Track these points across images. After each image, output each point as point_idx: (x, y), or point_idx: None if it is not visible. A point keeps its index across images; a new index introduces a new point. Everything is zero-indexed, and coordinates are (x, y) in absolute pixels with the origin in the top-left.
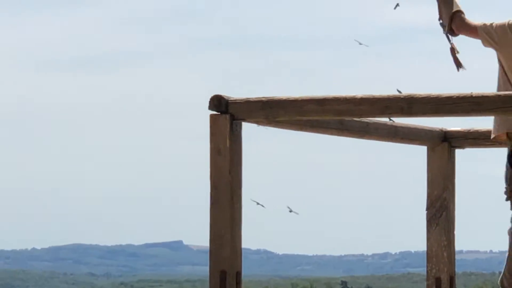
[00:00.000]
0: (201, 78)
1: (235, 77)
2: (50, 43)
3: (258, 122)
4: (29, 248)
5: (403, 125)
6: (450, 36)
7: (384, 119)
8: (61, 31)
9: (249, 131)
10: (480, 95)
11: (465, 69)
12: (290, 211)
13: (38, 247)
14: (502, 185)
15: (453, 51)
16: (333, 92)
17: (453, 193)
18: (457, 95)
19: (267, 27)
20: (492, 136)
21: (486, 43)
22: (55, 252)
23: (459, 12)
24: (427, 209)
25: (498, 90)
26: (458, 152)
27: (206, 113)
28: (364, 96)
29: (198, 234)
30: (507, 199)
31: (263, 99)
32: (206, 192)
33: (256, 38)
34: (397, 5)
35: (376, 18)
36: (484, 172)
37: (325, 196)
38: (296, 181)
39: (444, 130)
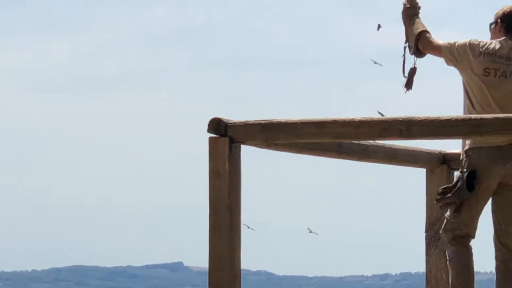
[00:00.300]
0: (200, 99)
1: (234, 98)
2: (50, 63)
3: (257, 145)
4: (30, 269)
5: (401, 148)
6: (414, 58)
7: (382, 142)
8: (60, 51)
9: (248, 153)
10: (479, 117)
11: (412, 91)
12: (310, 231)
13: (39, 269)
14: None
15: (413, 71)
16: (333, 114)
17: None
18: (456, 117)
19: (267, 48)
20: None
21: (449, 62)
22: (55, 274)
23: (425, 32)
24: (426, 231)
25: (464, 108)
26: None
27: (205, 135)
28: (362, 119)
29: (198, 255)
30: (441, 207)
31: (262, 122)
32: (205, 214)
33: (256, 59)
34: (379, 26)
35: (374, 39)
36: None
37: (324, 218)
38: (295, 203)
39: (443, 152)
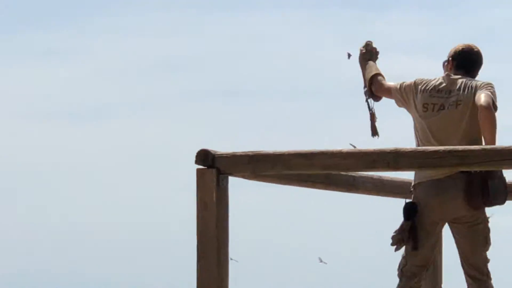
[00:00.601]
0: (187, 130)
1: (221, 129)
2: (35, 95)
3: (244, 176)
4: None
5: (389, 179)
6: (371, 102)
7: (371, 173)
8: (44, 84)
9: (236, 184)
10: (466, 149)
11: (379, 137)
12: (321, 261)
13: None
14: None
15: (372, 117)
16: (321, 145)
17: (440, 247)
18: (444, 149)
19: (252, 80)
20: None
21: (399, 102)
22: None
23: (377, 74)
24: None
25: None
26: None
27: (193, 166)
28: (350, 150)
29: (186, 286)
30: (392, 245)
31: (249, 153)
32: (193, 246)
33: (243, 90)
34: (349, 55)
35: (356, 70)
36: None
37: (311, 250)
38: (283, 234)
39: None
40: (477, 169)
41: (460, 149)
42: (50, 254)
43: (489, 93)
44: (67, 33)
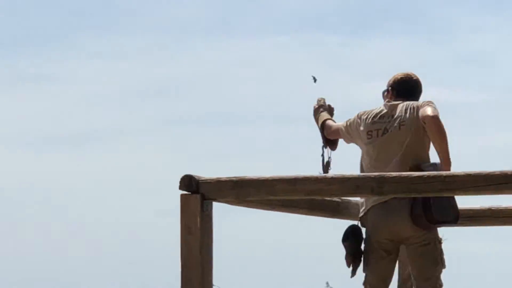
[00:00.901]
0: (171, 156)
1: (205, 155)
2: (15, 120)
3: (229, 202)
4: None
5: None
6: (326, 151)
7: (356, 199)
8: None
9: (220, 210)
10: (450, 174)
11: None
12: (327, 286)
13: None
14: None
15: (327, 166)
16: (304, 170)
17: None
18: (428, 174)
19: (235, 105)
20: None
21: (347, 140)
22: None
23: (327, 119)
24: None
25: None
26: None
27: (177, 192)
28: (334, 176)
29: None
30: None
31: (233, 178)
32: (177, 271)
33: (227, 116)
34: (314, 79)
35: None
36: (459, 250)
37: (296, 276)
38: (268, 260)
39: None
40: (462, 194)
41: (444, 174)
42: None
43: (434, 107)
44: (49, 58)
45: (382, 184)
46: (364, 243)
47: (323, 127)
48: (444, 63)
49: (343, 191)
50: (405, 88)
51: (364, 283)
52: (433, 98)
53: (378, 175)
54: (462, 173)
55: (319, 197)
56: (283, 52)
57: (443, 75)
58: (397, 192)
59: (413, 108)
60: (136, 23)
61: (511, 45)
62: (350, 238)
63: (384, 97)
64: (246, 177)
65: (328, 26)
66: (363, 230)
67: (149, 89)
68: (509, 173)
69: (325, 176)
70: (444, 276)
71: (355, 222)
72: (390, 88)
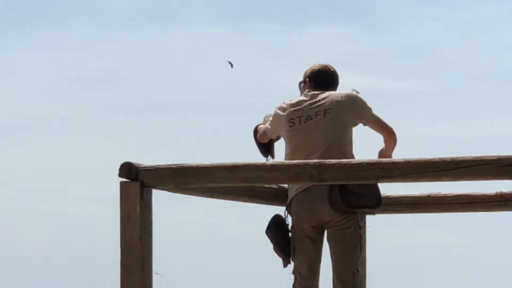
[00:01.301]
0: (110, 144)
1: (145, 143)
2: None
3: (168, 189)
4: None
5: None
6: (269, 159)
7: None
8: None
9: (160, 197)
10: (390, 161)
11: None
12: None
13: None
14: None
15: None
16: (245, 158)
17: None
18: (367, 161)
19: (176, 94)
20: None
21: (273, 134)
22: None
23: (257, 126)
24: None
25: None
26: (370, 219)
27: (116, 180)
28: (274, 163)
29: None
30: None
31: (173, 166)
32: (117, 259)
33: (167, 104)
34: (231, 64)
35: (282, 84)
36: (399, 239)
37: (237, 262)
38: (208, 248)
39: None
40: (401, 181)
41: (384, 161)
42: None
43: (379, 117)
44: None
45: (322, 171)
46: (291, 232)
47: (255, 135)
48: (386, 53)
49: (283, 178)
50: (323, 79)
51: (293, 271)
52: (373, 87)
53: (317, 162)
54: (402, 160)
55: (259, 184)
56: (223, 40)
57: (385, 64)
58: (336, 179)
59: (340, 96)
60: (77, 12)
61: (451, 35)
62: (272, 228)
63: (300, 88)
64: (186, 164)
65: (268, 15)
66: (290, 219)
67: (88, 78)
68: (448, 160)
69: (264, 163)
70: (382, 263)
71: (281, 212)
72: (307, 79)
